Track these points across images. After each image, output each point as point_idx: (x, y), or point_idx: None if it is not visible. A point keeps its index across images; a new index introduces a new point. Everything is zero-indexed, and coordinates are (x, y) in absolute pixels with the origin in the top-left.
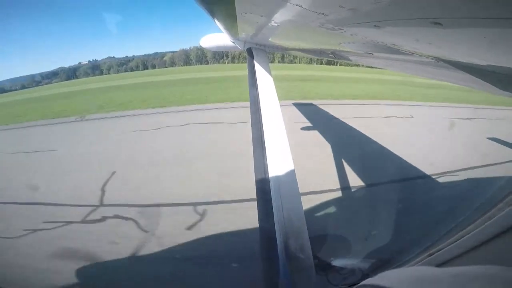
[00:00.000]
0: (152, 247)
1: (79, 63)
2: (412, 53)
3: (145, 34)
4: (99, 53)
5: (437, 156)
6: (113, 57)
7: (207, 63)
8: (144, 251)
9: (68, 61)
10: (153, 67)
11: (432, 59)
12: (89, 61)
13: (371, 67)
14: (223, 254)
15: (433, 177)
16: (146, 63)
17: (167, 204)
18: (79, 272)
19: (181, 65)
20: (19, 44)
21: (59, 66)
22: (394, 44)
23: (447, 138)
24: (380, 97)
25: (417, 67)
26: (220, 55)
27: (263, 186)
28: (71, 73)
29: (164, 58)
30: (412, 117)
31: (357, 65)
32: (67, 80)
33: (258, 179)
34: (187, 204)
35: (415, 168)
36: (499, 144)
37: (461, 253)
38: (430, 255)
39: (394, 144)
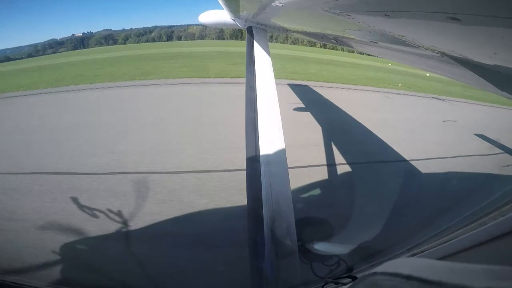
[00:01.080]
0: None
1: (73, 34)
2: (418, 46)
3: (138, 8)
4: (91, 26)
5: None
6: (110, 29)
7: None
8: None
9: (59, 33)
10: (179, 38)
11: (437, 53)
12: (83, 33)
13: (372, 56)
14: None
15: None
16: (171, 34)
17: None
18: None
19: (213, 39)
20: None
21: (51, 38)
22: (402, 35)
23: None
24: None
25: (419, 60)
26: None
27: (254, 165)
28: (79, 43)
29: (188, 30)
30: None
31: (359, 53)
32: (73, 49)
33: (248, 156)
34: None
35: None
36: (486, 141)
37: (456, 252)
38: (422, 251)
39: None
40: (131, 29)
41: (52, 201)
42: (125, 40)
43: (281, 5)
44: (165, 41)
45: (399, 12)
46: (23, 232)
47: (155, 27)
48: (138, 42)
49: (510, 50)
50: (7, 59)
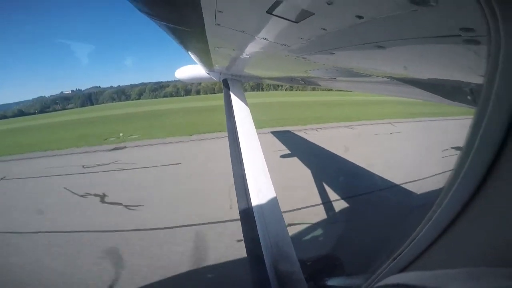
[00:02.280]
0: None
1: (61, 92)
2: (369, 75)
3: (122, 66)
4: (77, 84)
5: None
6: (99, 86)
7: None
8: None
9: (47, 91)
10: (198, 93)
11: (387, 78)
12: (72, 91)
13: (339, 90)
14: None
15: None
16: (189, 88)
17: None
18: None
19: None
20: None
21: (39, 95)
22: (352, 68)
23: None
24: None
25: (374, 86)
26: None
27: (247, 215)
28: (86, 98)
29: (202, 85)
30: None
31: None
32: (81, 106)
33: (241, 209)
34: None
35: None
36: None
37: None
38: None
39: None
40: (119, 86)
41: None
42: (140, 96)
43: (247, 56)
44: (183, 95)
45: (338, 49)
46: None
47: (142, 83)
48: (155, 97)
49: (437, 65)
50: (21, 113)
